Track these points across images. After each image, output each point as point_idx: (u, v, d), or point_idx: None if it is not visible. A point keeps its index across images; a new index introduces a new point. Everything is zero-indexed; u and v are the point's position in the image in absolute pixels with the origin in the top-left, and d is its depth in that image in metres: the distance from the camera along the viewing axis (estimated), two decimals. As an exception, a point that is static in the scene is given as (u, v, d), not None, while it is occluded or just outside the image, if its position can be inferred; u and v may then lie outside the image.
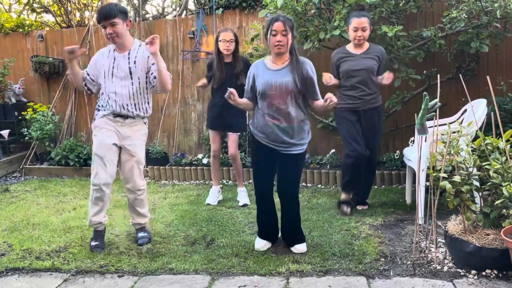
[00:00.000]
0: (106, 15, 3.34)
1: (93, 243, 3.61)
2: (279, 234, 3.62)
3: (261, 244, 3.51)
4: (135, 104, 3.56)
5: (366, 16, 4.14)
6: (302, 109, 3.31)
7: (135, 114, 3.57)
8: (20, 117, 6.92)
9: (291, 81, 3.20)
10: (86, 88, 3.69)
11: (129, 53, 3.51)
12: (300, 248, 3.42)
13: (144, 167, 3.74)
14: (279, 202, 3.50)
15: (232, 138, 4.76)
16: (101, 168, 3.52)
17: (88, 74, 3.64)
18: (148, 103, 3.64)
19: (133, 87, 3.53)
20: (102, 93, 3.60)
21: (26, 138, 6.64)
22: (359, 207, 4.41)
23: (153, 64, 3.46)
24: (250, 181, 5.69)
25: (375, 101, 4.25)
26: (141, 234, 3.74)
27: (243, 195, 4.84)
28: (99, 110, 3.65)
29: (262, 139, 3.34)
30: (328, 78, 4.21)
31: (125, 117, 3.57)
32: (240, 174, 4.92)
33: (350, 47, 4.29)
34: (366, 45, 4.23)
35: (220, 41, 4.60)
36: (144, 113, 3.63)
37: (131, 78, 3.51)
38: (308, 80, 3.24)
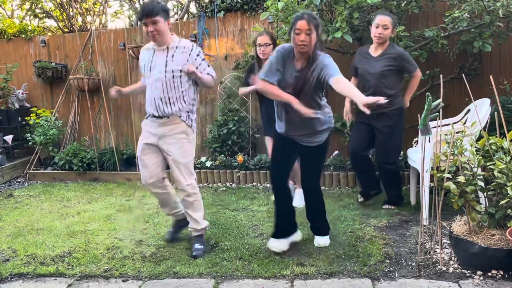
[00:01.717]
0: (149, 13, 3.32)
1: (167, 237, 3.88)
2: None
3: (276, 244, 3.49)
4: (169, 99, 3.46)
5: (391, 17, 4.17)
6: (317, 100, 3.26)
7: (167, 112, 3.48)
8: (23, 123, 6.93)
9: (307, 83, 3.16)
10: None
11: (167, 48, 3.49)
12: (319, 241, 3.54)
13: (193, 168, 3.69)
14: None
15: None
16: (142, 169, 3.66)
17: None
18: (184, 100, 3.51)
19: (166, 80, 3.45)
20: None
21: (30, 143, 6.66)
22: (385, 207, 4.46)
23: (200, 64, 3.51)
24: (254, 183, 5.69)
25: (388, 105, 4.19)
26: (196, 246, 3.57)
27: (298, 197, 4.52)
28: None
29: (283, 130, 3.41)
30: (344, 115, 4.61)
31: (160, 117, 3.52)
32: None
33: (371, 48, 4.34)
34: (386, 46, 4.22)
35: (256, 45, 4.54)
36: (178, 110, 3.50)
37: (165, 71, 3.45)
38: (322, 75, 3.11)
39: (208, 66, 3.60)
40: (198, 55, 3.51)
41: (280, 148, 3.50)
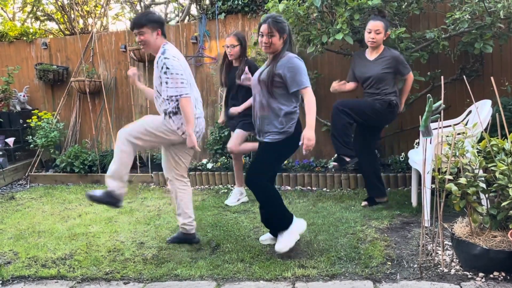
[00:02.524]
0: (134, 24, 3.47)
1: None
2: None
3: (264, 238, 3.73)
4: (160, 110, 3.55)
5: (382, 21, 4.20)
6: (281, 101, 3.33)
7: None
8: (25, 125, 6.95)
9: (264, 73, 3.35)
10: None
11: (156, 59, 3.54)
12: (276, 246, 3.43)
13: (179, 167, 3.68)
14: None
15: (233, 134, 4.83)
16: None
17: None
18: (168, 113, 3.46)
19: (156, 89, 3.53)
20: None
21: (31, 145, 6.67)
22: (363, 204, 4.57)
23: (165, 82, 3.40)
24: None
25: (378, 96, 4.34)
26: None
27: (233, 195, 5.04)
28: None
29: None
30: (336, 86, 4.54)
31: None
32: (237, 172, 5.05)
33: (367, 51, 4.41)
34: (381, 49, 4.28)
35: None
36: (167, 111, 3.47)
37: (155, 80, 3.54)
38: (276, 75, 3.28)
39: (168, 84, 3.39)
40: (165, 72, 3.38)
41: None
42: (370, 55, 4.34)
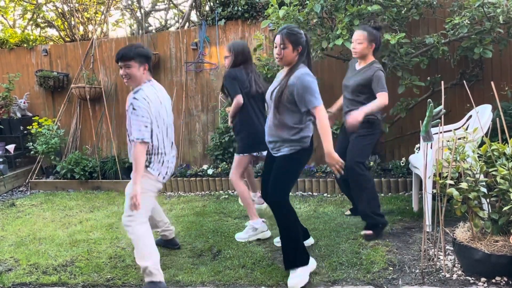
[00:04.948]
0: (122, 56, 3.25)
1: None
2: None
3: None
4: (132, 159, 3.25)
5: (366, 31, 4.03)
6: (294, 117, 3.16)
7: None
8: (25, 132, 6.96)
9: (275, 91, 3.20)
10: None
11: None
12: (288, 281, 3.07)
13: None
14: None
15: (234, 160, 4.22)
16: None
17: None
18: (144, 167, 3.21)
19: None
20: None
21: (32, 152, 6.67)
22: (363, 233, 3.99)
23: (131, 121, 3.19)
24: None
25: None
26: None
27: (245, 229, 4.12)
28: None
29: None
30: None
31: None
32: (243, 202, 4.22)
33: (358, 61, 4.18)
34: (369, 60, 4.02)
35: None
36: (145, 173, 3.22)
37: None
38: (289, 90, 3.11)
39: (132, 125, 3.14)
40: (131, 112, 3.15)
41: (266, 160, 3.44)
42: (359, 65, 4.19)
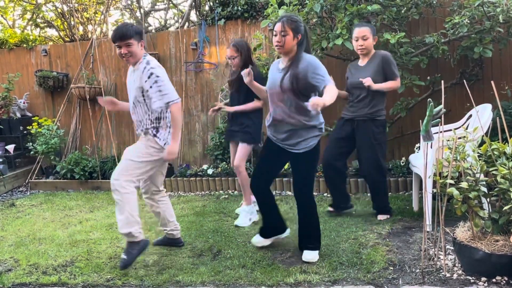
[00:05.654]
0: (123, 36, 3.33)
1: None
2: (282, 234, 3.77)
3: (256, 240, 3.73)
4: (137, 120, 3.52)
5: (368, 26, 4.14)
6: (301, 104, 3.20)
7: (139, 130, 3.54)
8: (25, 132, 6.96)
9: (286, 79, 3.20)
10: None
11: (134, 68, 3.49)
12: (307, 256, 3.41)
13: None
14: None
15: (238, 148, 4.44)
16: None
17: None
18: (152, 122, 3.45)
19: (132, 101, 3.50)
20: None
21: (32, 152, 6.67)
22: (379, 217, 4.30)
23: (150, 87, 3.34)
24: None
25: (371, 115, 4.18)
26: (122, 255, 3.46)
27: (243, 215, 4.47)
28: None
29: (271, 135, 3.45)
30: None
31: (139, 135, 3.59)
32: (243, 188, 4.52)
33: (359, 61, 4.31)
34: (371, 54, 4.20)
35: None
36: (149, 131, 3.46)
37: (132, 92, 3.51)
38: (302, 76, 3.15)
39: (162, 92, 3.36)
40: (155, 81, 3.33)
41: (266, 153, 3.51)
42: (362, 62, 4.24)
